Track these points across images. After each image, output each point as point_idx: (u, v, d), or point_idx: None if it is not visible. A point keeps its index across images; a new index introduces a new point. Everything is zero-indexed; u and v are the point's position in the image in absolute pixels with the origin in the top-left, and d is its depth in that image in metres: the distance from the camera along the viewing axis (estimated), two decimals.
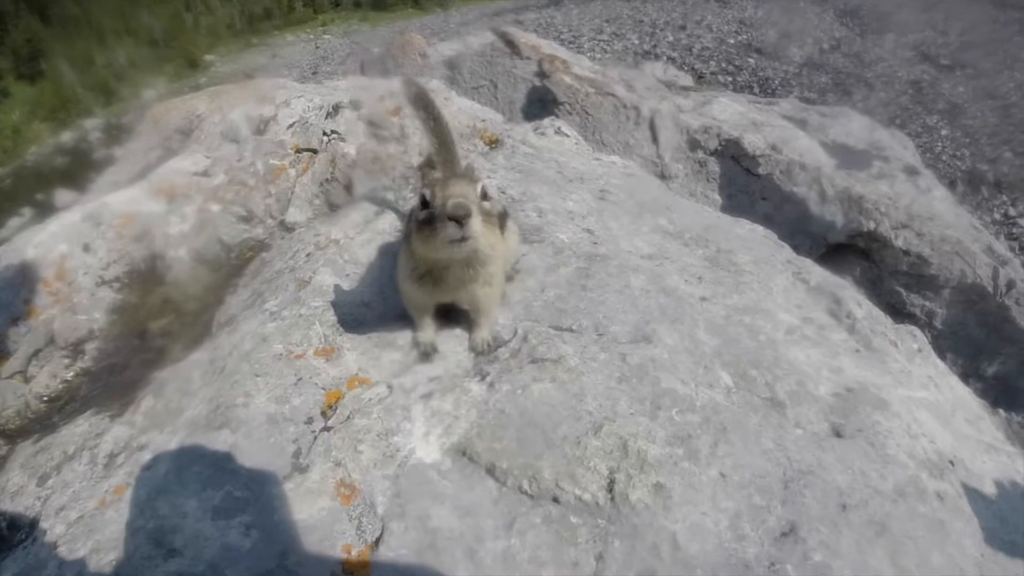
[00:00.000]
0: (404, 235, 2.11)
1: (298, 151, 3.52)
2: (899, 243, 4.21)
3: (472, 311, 2.11)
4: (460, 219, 1.66)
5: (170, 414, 2.08)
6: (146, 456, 1.87)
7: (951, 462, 2.04)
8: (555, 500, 1.57)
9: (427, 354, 2.06)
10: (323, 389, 1.90)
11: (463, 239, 1.69)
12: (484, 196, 1.86)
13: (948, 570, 1.65)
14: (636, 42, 9.39)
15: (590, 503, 1.57)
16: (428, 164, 3.16)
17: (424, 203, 1.79)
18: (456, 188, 1.73)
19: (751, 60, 8.76)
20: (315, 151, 3.50)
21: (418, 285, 1.98)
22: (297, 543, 1.52)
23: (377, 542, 1.52)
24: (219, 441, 1.78)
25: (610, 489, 1.58)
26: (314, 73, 9.91)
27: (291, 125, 3.70)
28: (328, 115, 3.65)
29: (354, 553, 1.50)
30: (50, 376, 2.89)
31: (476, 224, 1.69)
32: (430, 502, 1.57)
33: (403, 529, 1.53)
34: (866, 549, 1.61)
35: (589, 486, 1.58)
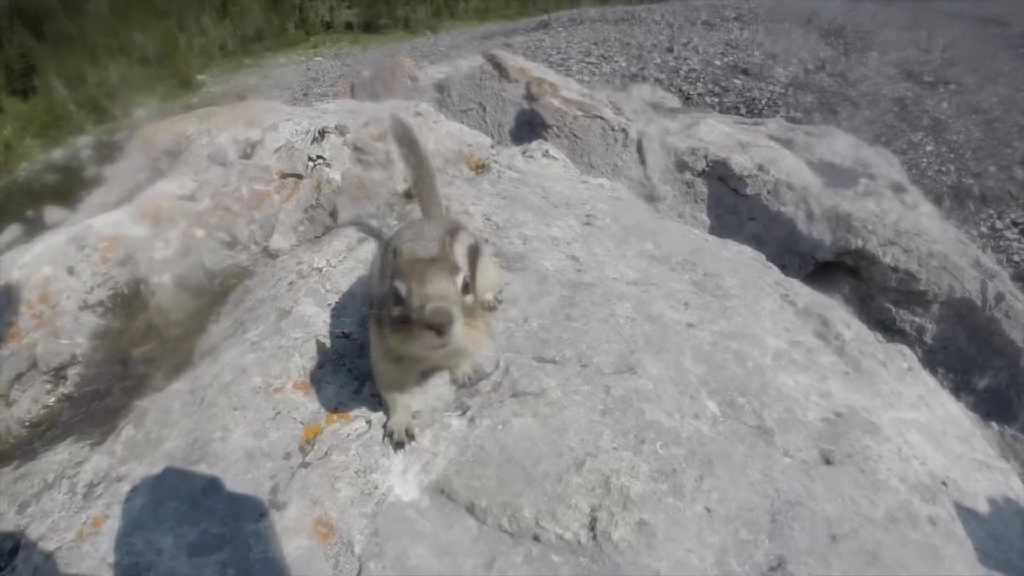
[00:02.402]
0: (374, 316, 1.80)
1: (283, 176, 3.51)
2: (887, 260, 4.24)
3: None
4: (440, 328, 1.45)
5: (150, 445, 2.05)
6: (125, 488, 1.85)
7: (943, 483, 2.02)
8: (536, 539, 1.54)
9: (401, 444, 1.83)
10: (301, 424, 1.87)
11: (444, 345, 1.50)
12: (465, 288, 1.61)
13: None
14: (624, 64, 9.51)
15: (571, 542, 1.53)
16: (409, 195, 3.16)
17: (398, 298, 1.56)
18: (434, 287, 1.50)
19: (737, 81, 8.88)
20: (300, 176, 3.49)
21: (394, 364, 1.78)
22: None
23: None
24: (196, 476, 1.76)
25: (592, 527, 1.55)
26: (305, 94, 9.97)
27: (277, 150, 3.70)
28: (314, 140, 3.65)
29: None
30: (32, 401, 2.86)
31: (458, 331, 1.48)
32: (408, 541, 1.54)
33: (381, 569, 1.49)
34: None
35: (570, 524, 1.55)
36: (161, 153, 4.38)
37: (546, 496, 1.58)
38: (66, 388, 2.96)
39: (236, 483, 1.71)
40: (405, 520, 1.57)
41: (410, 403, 1.90)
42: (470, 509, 1.59)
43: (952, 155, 7.74)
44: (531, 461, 1.65)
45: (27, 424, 2.81)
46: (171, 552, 1.60)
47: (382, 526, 1.56)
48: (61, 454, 2.34)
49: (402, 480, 1.64)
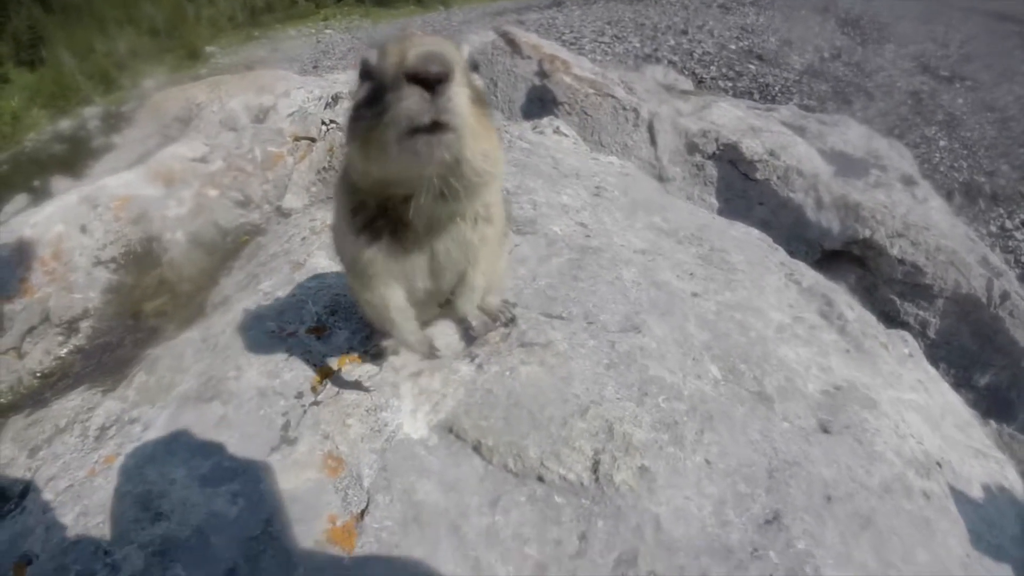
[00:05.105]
0: (342, 170, 1.33)
1: (296, 139, 3.54)
2: (894, 252, 4.25)
3: (465, 281, 1.46)
4: (431, 81, 0.94)
5: (162, 389, 2.08)
6: (137, 428, 1.88)
7: (938, 464, 2.05)
8: (540, 479, 1.58)
9: (424, 353, 1.54)
10: (314, 365, 1.90)
11: (436, 127, 0.97)
12: (475, 67, 1.16)
13: (933, 567, 1.66)
14: (637, 45, 9.44)
15: (575, 483, 1.57)
16: None
17: (367, 71, 1.07)
18: (424, 39, 1.01)
19: (752, 66, 8.81)
20: (313, 140, 3.52)
21: (368, 241, 1.28)
22: (283, 512, 1.53)
23: (362, 513, 1.53)
24: (210, 413, 1.79)
25: (595, 470, 1.59)
26: (315, 67, 9.89)
27: (290, 114, 3.73)
28: (327, 105, 3.68)
29: (339, 523, 1.51)
30: (44, 353, 2.91)
31: (461, 98, 0.98)
32: (416, 476, 1.58)
33: (388, 502, 1.53)
34: (850, 541, 1.62)
35: (574, 466, 1.59)
36: (171, 120, 4.42)
37: (551, 439, 1.62)
38: (78, 340, 3.02)
39: (249, 419, 1.75)
40: (413, 456, 1.61)
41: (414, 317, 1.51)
42: (477, 448, 1.63)
43: (965, 152, 7.69)
44: (537, 406, 1.69)
45: (39, 375, 2.86)
46: (184, 482, 1.63)
47: (391, 461, 1.60)
48: (73, 401, 2.38)
49: (411, 419, 1.68)
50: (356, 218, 1.29)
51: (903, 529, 1.72)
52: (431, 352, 1.57)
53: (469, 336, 1.92)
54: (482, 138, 1.08)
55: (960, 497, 1.98)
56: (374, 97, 1.03)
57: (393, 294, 1.42)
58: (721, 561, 1.49)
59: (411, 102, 0.95)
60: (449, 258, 1.35)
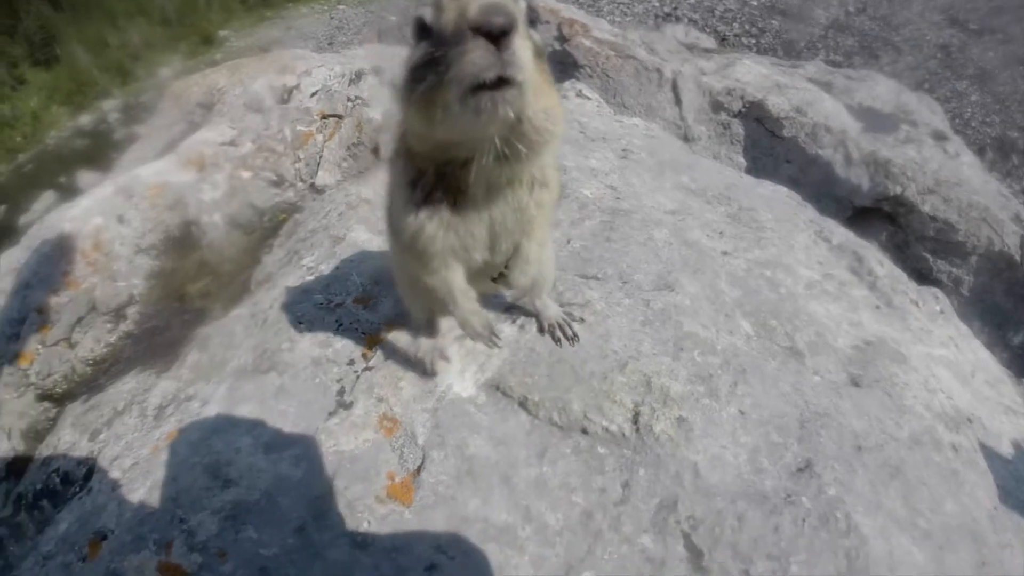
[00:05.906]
0: (395, 144, 1.32)
1: (324, 117, 3.58)
2: (926, 208, 4.18)
3: (519, 253, 1.41)
4: (495, 33, 0.91)
5: (215, 366, 2.17)
6: (195, 405, 1.95)
7: (968, 419, 2.07)
8: (584, 431, 1.67)
9: (484, 337, 1.51)
10: (363, 333, 1.99)
11: (500, 82, 0.94)
12: (533, 22, 1.10)
13: (961, 518, 1.70)
14: (656, 4, 9.18)
15: (616, 434, 1.66)
16: None
17: (423, 30, 1.03)
18: None
19: (775, 22, 8.53)
20: (340, 117, 3.56)
21: (428, 214, 1.26)
22: (344, 471, 1.62)
23: (419, 469, 1.62)
24: (267, 383, 1.88)
25: (635, 421, 1.67)
26: (330, 44, 9.83)
27: (315, 93, 3.76)
28: (351, 82, 3.70)
29: (397, 479, 1.61)
30: (94, 341, 2.98)
31: (525, 52, 0.95)
32: (467, 433, 1.67)
33: (443, 457, 1.63)
34: (880, 490, 1.67)
35: (615, 418, 1.67)
36: (194, 107, 4.45)
37: (593, 392, 1.70)
38: (127, 326, 3.08)
39: (305, 387, 1.84)
40: (464, 414, 1.70)
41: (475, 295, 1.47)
42: (523, 404, 1.72)
43: (998, 106, 7.40)
44: (578, 362, 1.77)
45: (91, 362, 2.89)
46: (248, 450, 1.70)
47: (443, 419, 1.70)
48: (128, 384, 2.46)
49: (460, 379, 1.77)
50: (415, 191, 1.26)
51: (932, 480, 1.77)
52: (492, 337, 1.55)
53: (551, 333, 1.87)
54: (543, 95, 1.07)
55: (989, 452, 2.00)
56: (432, 56, 0.98)
57: (456, 276, 1.41)
58: (756, 506, 1.56)
59: (477, 56, 0.92)
60: (505, 227, 1.34)
